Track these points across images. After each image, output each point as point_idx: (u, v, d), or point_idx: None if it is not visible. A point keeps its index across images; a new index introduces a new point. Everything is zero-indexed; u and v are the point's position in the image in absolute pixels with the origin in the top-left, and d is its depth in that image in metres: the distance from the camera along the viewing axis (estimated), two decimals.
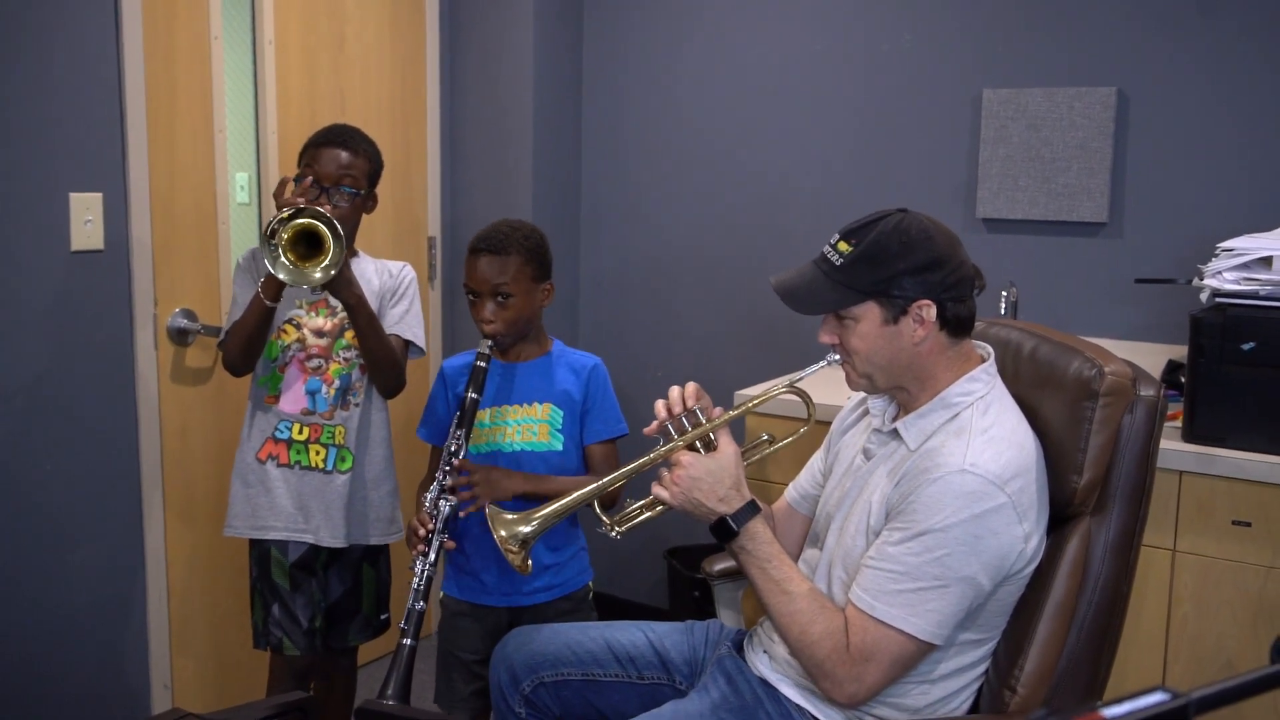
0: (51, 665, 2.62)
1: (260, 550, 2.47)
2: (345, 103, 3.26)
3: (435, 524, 2.15)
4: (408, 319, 2.52)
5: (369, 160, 2.46)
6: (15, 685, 2.55)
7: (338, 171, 2.39)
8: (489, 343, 2.24)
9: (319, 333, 2.44)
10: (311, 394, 2.43)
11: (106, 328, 2.67)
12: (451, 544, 2.18)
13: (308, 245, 2.23)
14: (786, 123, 3.40)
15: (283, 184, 2.31)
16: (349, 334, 2.43)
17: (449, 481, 2.18)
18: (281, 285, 2.31)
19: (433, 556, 2.13)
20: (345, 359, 2.45)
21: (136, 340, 2.73)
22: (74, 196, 2.57)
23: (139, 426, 2.76)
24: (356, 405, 2.47)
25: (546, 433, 2.32)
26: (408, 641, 2.07)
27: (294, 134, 3.10)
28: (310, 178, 2.37)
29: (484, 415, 2.31)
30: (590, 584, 2.44)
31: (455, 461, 2.20)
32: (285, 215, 2.19)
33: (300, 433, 2.43)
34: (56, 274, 2.56)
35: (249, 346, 2.39)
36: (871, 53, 3.25)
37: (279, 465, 2.43)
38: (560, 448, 2.33)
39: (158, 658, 2.85)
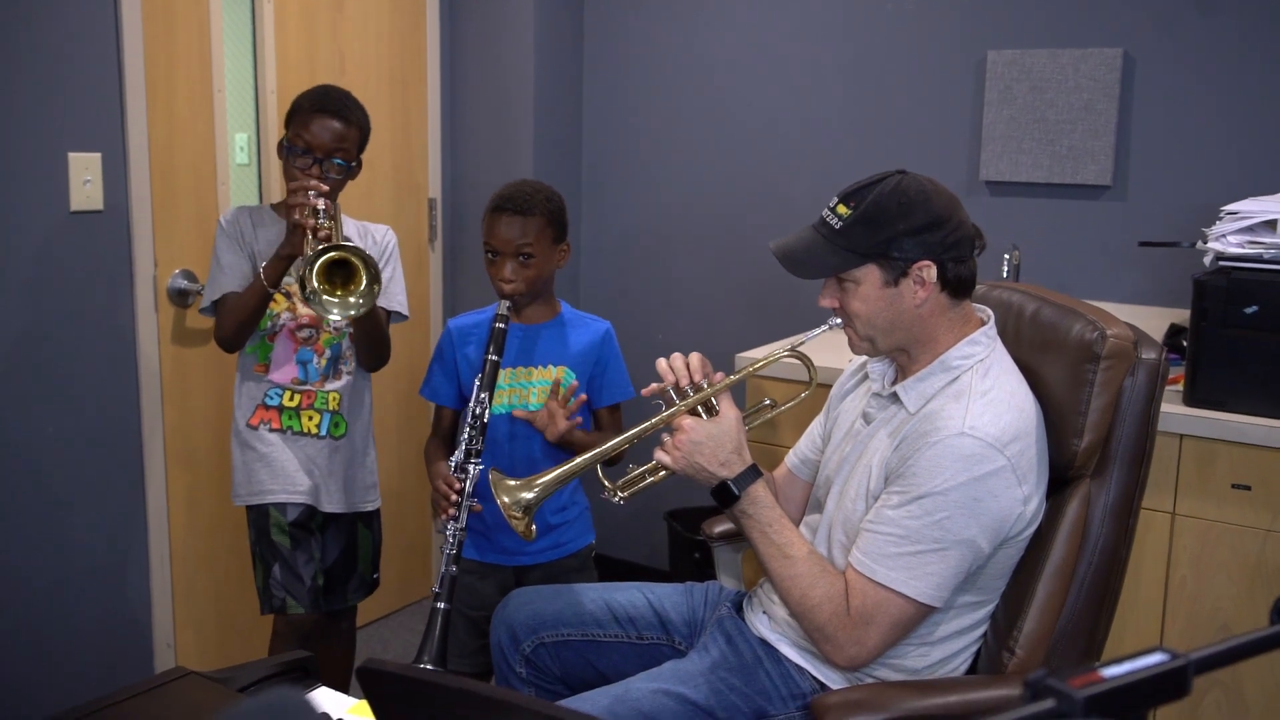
0: (56, 627, 2.64)
1: (258, 513, 2.46)
2: (344, 63, 3.24)
3: (465, 487, 2.14)
4: (392, 287, 2.50)
5: (360, 129, 2.41)
6: (20, 646, 2.57)
7: (331, 143, 2.34)
8: (507, 303, 2.23)
9: None
10: (303, 364, 2.42)
11: (106, 289, 2.67)
12: (479, 507, 2.16)
13: (339, 272, 2.17)
14: (789, 86, 3.37)
15: (294, 206, 2.22)
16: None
17: (476, 445, 2.17)
18: (284, 271, 2.29)
19: (463, 520, 2.13)
20: (335, 328, 2.43)
21: (136, 301, 2.72)
22: (73, 156, 2.56)
23: (139, 388, 2.76)
24: (349, 373, 2.46)
25: None
26: (442, 605, 2.06)
27: (293, 95, 3.07)
28: (308, 163, 2.31)
29: (502, 376, 2.30)
30: (593, 543, 2.47)
31: (480, 423, 2.18)
32: (310, 256, 2.11)
33: (291, 399, 2.42)
34: (56, 235, 2.55)
35: (247, 327, 2.36)
36: (875, 14, 3.22)
37: (271, 429, 2.43)
38: None
39: (160, 618, 2.87)
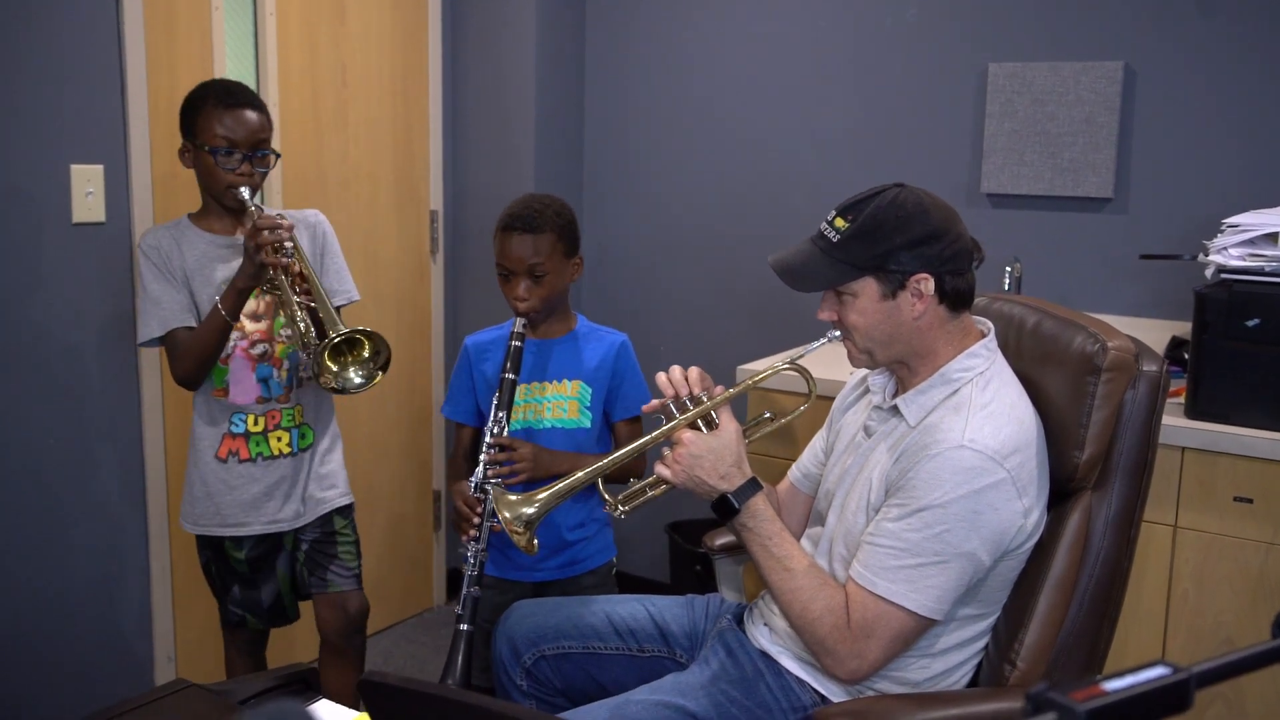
0: (57, 639, 2.63)
1: (213, 541, 2.42)
2: (346, 75, 3.25)
3: (485, 507, 2.14)
4: (340, 274, 2.43)
5: (269, 118, 2.32)
6: (21, 658, 2.56)
7: (255, 136, 2.24)
8: (523, 321, 2.21)
9: (255, 316, 2.32)
10: (264, 381, 2.33)
11: (108, 300, 2.67)
12: (499, 527, 2.16)
13: (344, 343, 2.13)
14: (790, 98, 3.38)
15: (263, 245, 2.13)
16: (284, 311, 2.34)
17: (494, 470, 2.16)
18: (244, 302, 2.22)
19: (483, 541, 2.13)
20: (288, 337, 2.35)
21: (139, 313, 2.73)
22: (75, 168, 2.56)
23: (141, 399, 2.76)
24: (309, 379, 2.38)
25: (576, 410, 2.33)
26: (465, 627, 2.08)
27: (295, 108, 3.09)
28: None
29: (517, 392, 2.28)
30: (613, 560, 2.46)
31: (500, 443, 2.18)
32: (318, 348, 2.08)
33: (256, 424, 2.34)
34: (58, 246, 2.55)
35: (210, 362, 2.26)
36: (875, 26, 3.23)
37: (240, 461, 2.34)
38: (589, 425, 2.34)
39: (161, 630, 2.87)
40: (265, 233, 2.13)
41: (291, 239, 2.18)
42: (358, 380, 2.15)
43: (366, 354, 2.15)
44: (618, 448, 2.36)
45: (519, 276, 2.24)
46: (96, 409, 2.67)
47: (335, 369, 2.13)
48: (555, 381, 2.33)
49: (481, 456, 2.19)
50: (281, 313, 2.33)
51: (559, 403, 2.32)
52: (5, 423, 2.50)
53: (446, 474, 2.42)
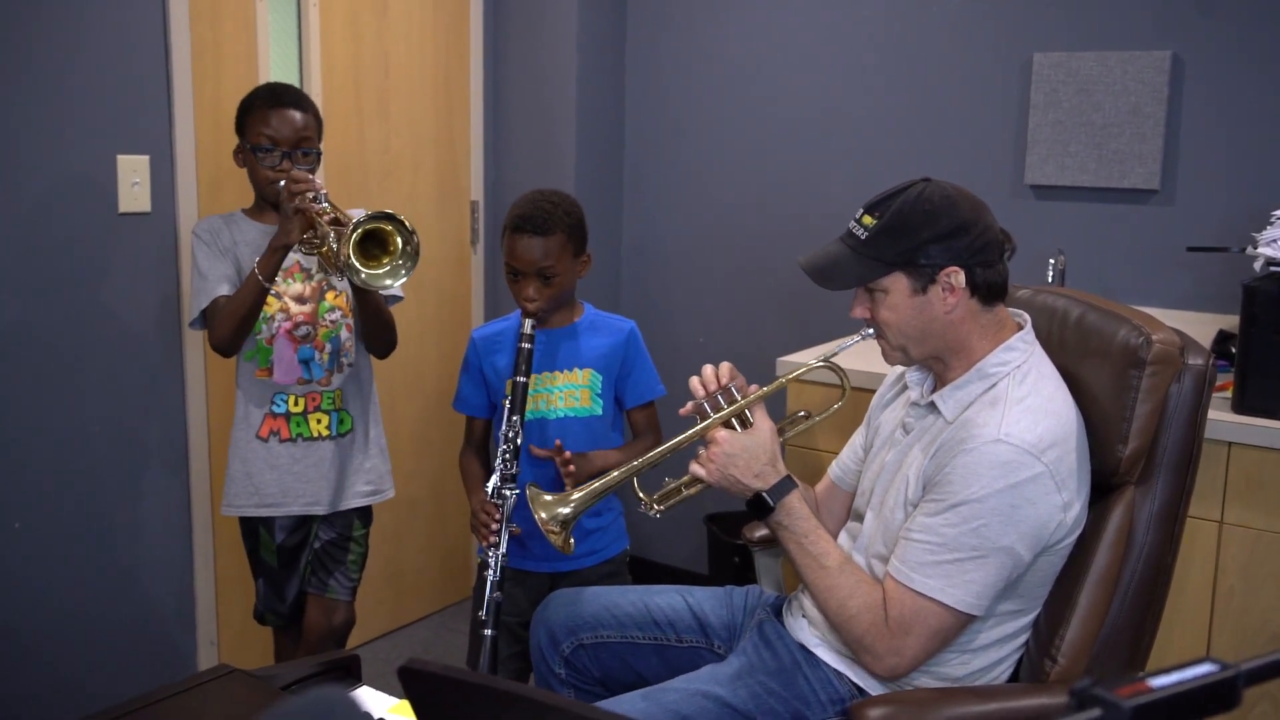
0: (100, 623, 2.67)
1: (250, 527, 2.46)
2: (389, 66, 3.26)
3: (503, 513, 2.15)
4: None
5: (316, 117, 2.37)
6: (65, 643, 2.60)
7: (296, 135, 2.30)
8: (532, 322, 2.21)
9: (300, 299, 2.36)
10: (305, 362, 2.37)
11: (153, 289, 2.70)
12: (518, 530, 2.18)
13: (371, 246, 2.11)
14: (830, 90, 3.36)
15: (295, 194, 2.18)
16: (330, 295, 2.38)
17: (511, 470, 2.17)
18: (279, 263, 2.23)
19: (504, 547, 2.14)
20: (331, 321, 2.38)
21: (182, 301, 2.76)
22: (121, 159, 2.59)
23: (185, 385, 2.79)
24: (350, 365, 2.42)
25: (588, 398, 2.33)
26: (489, 632, 2.10)
27: (338, 99, 3.11)
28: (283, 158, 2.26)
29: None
30: (627, 549, 2.47)
31: (513, 446, 2.18)
32: (350, 234, 2.04)
33: (296, 404, 2.38)
34: (104, 236, 2.59)
35: (244, 327, 2.28)
36: (919, 16, 3.20)
37: (281, 441, 2.39)
38: (601, 412, 2.34)
39: (204, 615, 2.90)
40: (297, 183, 2.19)
41: (325, 191, 2.20)
42: (394, 281, 2.12)
43: (400, 245, 2.11)
44: (635, 434, 2.38)
45: (528, 278, 2.22)
46: (140, 396, 2.71)
47: (366, 272, 2.09)
48: (565, 370, 2.33)
49: (495, 463, 2.19)
50: (326, 296, 2.35)
51: (569, 391, 2.32)
52: (49, 409, 2.54)
53: (460, 468, 2.43)
